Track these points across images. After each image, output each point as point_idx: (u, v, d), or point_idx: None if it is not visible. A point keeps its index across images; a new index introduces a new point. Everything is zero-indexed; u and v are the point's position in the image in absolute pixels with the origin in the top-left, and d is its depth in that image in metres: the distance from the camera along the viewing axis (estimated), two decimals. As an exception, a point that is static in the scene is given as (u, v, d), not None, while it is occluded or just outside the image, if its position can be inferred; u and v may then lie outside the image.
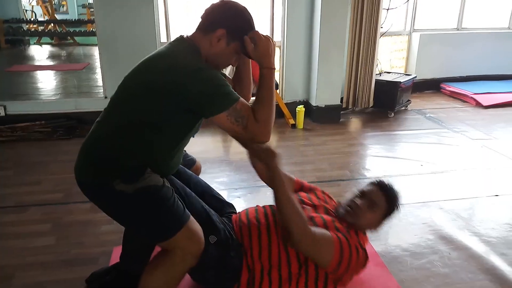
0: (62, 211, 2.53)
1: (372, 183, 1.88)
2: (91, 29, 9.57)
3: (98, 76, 5.74)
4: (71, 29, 9.52)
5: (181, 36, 1.55)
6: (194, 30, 1.55)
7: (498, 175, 3.07)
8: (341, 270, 1.66)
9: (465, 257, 2.14)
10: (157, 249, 1.79)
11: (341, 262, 1.64)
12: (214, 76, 1.43)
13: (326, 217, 1.79)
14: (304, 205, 1.88)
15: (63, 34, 9.48)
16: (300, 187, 2.06)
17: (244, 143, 1.59)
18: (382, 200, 1.81)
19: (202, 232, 1.51)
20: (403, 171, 3.13)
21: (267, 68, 1.51)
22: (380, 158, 3.41)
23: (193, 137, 1.70)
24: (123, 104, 1.49)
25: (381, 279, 1.96)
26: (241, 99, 1.46)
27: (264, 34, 1.53)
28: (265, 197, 2.73)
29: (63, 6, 11.31)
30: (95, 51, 8.56)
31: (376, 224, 1.83)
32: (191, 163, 2.04)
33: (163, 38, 4.03)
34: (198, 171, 2.10)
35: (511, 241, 2.27)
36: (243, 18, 1.52)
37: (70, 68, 6.75)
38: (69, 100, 4.19)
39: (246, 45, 1.50)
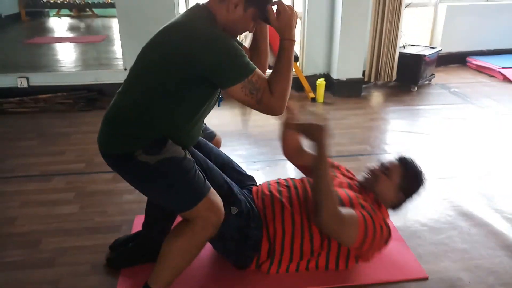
0: (85, 180, 2.59)
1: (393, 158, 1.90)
2: (110, 0, 9.57)
3: (116, 48, 5.76)
4: (90, 1, 9.52)
5: (197, 4, 1.52)
6: None
7: (523, 152, 3.00)
8: (365, 248, 1.68)
9: (484, 233, 2.12)
10: (179, 219, 1.83)
11: (364, 241, 1.65)
12: (231, 46, 1.41)
13: (350, 192, 1.80)
14: None
15: (82, 5, 9.47)
16: None
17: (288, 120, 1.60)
18: (397, 167, 1.83)
19: (222, 204, 1.53)
20: (425, 147, 3.08)
21: (288, 40, 1.48)
22: (401, 133, 3.36)
23: (219, 106, 1.70)
24: (142, 76, 1.49)
25: (399, 253, 1.96)
26: (257, 70, 1.44)
27: (288, 4, 1.50)
28: (284, 170, 2.74)
29: (81, -22, 11.25)
30: (114, 22, 8.58)
31: (394, 194, 1.82)
32: (211, 136, 2.05)
33: (182, 8, 3.99)
34: (218, 144, 2.11)
35: (534, 218, 2.23)
36: None
37: (89, 40, 6.77)
38: (90, 72, 4.23)
39: (269, 14, 1.47)
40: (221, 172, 1.74)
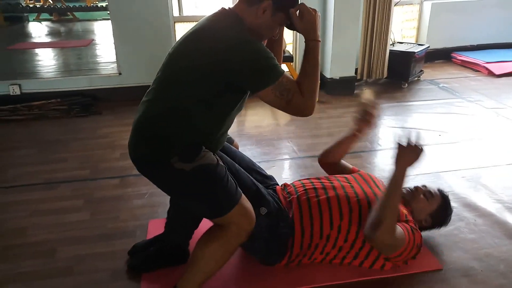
0: (92, 187, 2.57)
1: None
2: (91, 3, 9.45)
3: (104, 52, 5.70)
4: (70, 4, 9.37)
5: (223, 8, 1.55)
6: (236, 2, 1.56)
7: (516, 143, 3.11)
8: (399, 259, 1.79)
9: (490, 223, 2.20)
10: (203, 224, 1.85)
11: (402, 253, 1.76)
12: (261, 49, 1.44)
13: (401, 207, 1.88)
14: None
15: (63, 9, 9.32)
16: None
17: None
18: (439, 197, 1.99)
19: (253, 209, 1.56)
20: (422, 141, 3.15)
21: (313, 41, 1.52)
22: (398, 129, 3.43)
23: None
24: (172, 85, 1.51)
25: (412, 246, 2.03)
26: (286, 72, 1.48)
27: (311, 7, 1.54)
28: (290, 169, 2.78)
29: (60, -19, 11.07)
30: (96, 26, 8.48)
31: (425, 216, 1.95)
32: (230, 141, 2.08)
33: (175, 12, 3.99)
34: (236, 148, 2.14)
35: (534, 207, 2.33)
36: None
37: (75, 44, 6.66)
38: (83, 78, 4.17)
39: (292, 17, 1.50)
40: (248, 174, 1.77)
